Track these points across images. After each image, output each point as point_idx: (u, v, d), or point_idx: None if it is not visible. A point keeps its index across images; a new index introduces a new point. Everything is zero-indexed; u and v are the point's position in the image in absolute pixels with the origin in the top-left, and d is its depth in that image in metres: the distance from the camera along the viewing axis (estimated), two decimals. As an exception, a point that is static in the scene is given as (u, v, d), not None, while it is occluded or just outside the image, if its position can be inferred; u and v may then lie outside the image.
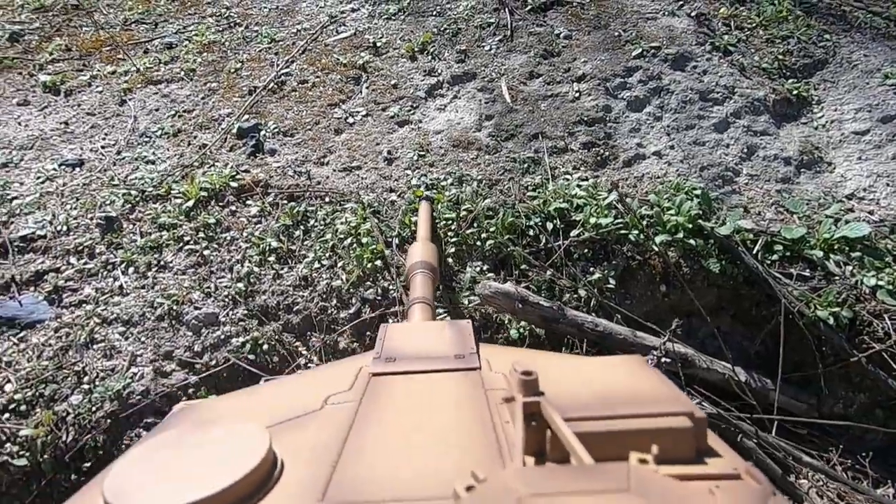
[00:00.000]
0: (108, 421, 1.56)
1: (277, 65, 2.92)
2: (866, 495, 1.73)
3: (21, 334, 1.70)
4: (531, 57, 2.80)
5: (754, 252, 2.05)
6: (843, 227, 2.04)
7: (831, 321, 1.88)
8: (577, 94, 2.59)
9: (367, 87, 2.76)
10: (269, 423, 0.56)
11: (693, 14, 2.91)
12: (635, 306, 2.05)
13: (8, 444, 1.48)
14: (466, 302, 1.95)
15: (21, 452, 1.47)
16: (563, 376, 0.55)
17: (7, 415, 1.51)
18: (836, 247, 2.03)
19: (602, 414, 0.46)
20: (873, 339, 1.85)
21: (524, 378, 0.47)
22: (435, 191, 2.23)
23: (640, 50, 2.71)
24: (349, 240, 2.05)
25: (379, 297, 1.94)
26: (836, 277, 1.96)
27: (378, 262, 1.99)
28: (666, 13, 2.94)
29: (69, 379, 1.61)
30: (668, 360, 1.73)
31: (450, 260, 2.05)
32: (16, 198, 2.13)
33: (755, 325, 2.09)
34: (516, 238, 2.08)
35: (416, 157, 2.39)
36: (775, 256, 2.04)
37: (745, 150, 2.40)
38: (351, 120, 2.60)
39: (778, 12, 2.89)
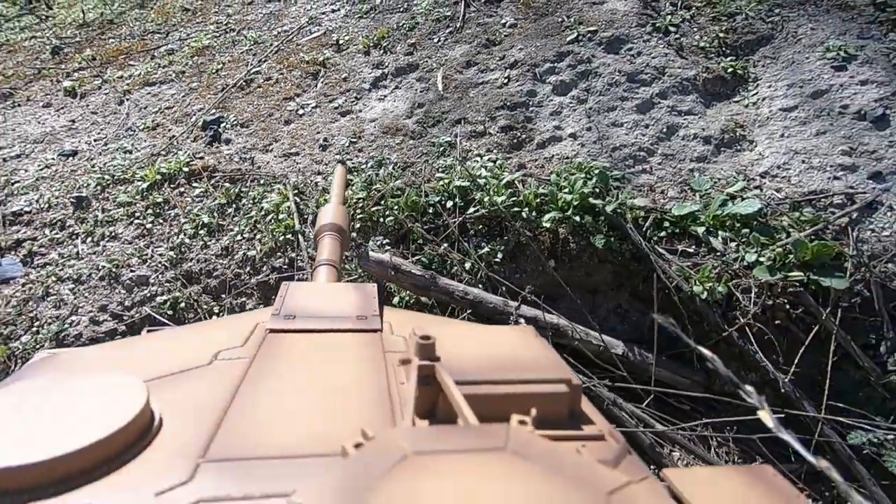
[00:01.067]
0: (48, 357, 1.93)
1: (251, 64, 3.26)
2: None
3: (-3, 288, 2.12)
4: (473, 46, 2.93)
5: (644, 229, 2.08)
6: (737, 204, 2.02)
7: (705, 296, 1.89)
8: (507, 80, 2.69)
9: (321, 82, 3.02)
10: (148, 377, 0.54)
11: (640, -4, 2.89)
12: (525, 280, 2.15)
13: (-28, 370, 1.89)
14: (360, 271, 2.16)
15: (-20, 377, 1.87)
16: (459, 342, 0.58)
17: (-27, 348, 1.92)
18: (727, 223, 2.01)
19: (489, 378, 0.49)
20: (743, 315, 1.84)
21: (422, 342, 0.49)
22: (354, 173, 2.45)
23: (575, 35, 2.76)
24: (270, 217, 2.33)
25: (286, 266, 2.20)
26: (719, 253, 1.95)
27: (290, 236, 2.24)
28: (614, -3, 2.95)
29: (24, 323, 2.01)
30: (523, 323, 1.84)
31: (354, 234, 2.26)
32: (17, 182, 2.60)
33: (648, 301, 2.12)
34: (418, 215, 2.25)
35: (347, 144, 2.62)
36: (663, 233, 2.06)
37: (665, 131, 2.40)
38: (301, 112, 2.87)
39: (733, -12, 2.80)
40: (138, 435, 0.42)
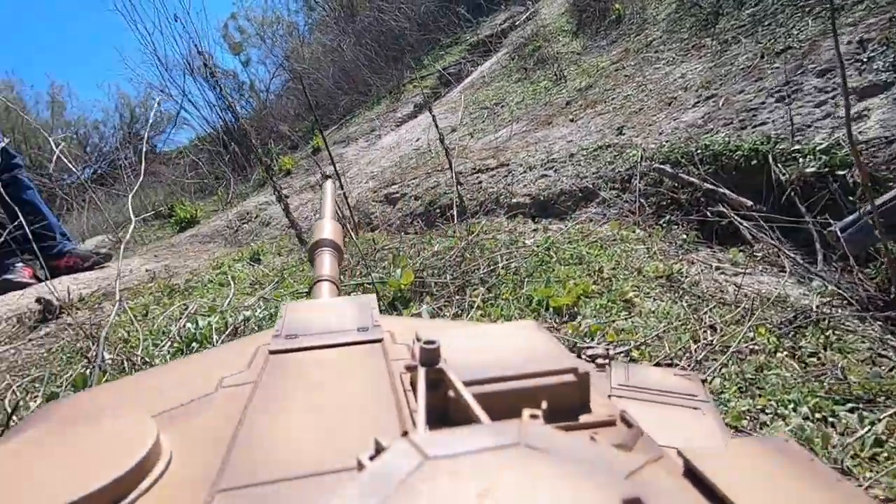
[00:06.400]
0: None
1: (633, 103, 11.50)
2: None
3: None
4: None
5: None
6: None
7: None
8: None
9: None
10: (155, 412, 0.54)
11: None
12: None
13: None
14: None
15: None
16: (462, 343, 0.59)
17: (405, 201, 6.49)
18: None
19: (496, 376, 0.50)
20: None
21: (426, 347, 0.50)
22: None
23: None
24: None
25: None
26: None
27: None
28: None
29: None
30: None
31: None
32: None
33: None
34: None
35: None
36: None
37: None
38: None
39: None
40: (148, 472, 0.43)
